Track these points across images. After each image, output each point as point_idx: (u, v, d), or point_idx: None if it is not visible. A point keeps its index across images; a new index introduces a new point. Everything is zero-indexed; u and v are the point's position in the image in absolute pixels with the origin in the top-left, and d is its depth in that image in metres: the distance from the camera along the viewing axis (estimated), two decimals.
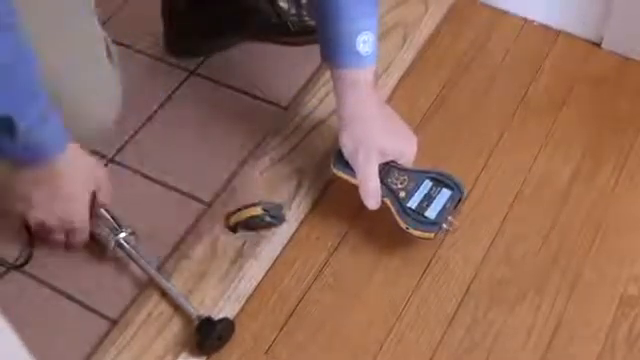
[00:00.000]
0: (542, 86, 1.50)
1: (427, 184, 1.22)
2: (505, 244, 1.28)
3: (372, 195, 1.21)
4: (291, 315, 1.20)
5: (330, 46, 1.20)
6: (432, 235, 1.20)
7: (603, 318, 1.20)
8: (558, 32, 1.59)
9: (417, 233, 1.20)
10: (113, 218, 1.24)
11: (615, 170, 1.37)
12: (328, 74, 1.45)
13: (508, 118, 1.45)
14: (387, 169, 1.22)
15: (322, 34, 1.21)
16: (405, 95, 1.36)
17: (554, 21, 1.59)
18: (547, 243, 1.28)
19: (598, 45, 1.56)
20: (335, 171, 1.27)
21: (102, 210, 1.23)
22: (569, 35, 1.58)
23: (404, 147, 1.24)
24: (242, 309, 1.20)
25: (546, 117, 1.45)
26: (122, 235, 1.21)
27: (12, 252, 1.24)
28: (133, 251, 1.21)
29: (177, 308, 1.16)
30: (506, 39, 1.58)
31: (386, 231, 1.28)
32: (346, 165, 1.24)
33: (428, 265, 1.25)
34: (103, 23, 1.28)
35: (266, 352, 1.16)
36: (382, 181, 1.21)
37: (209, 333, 1.12)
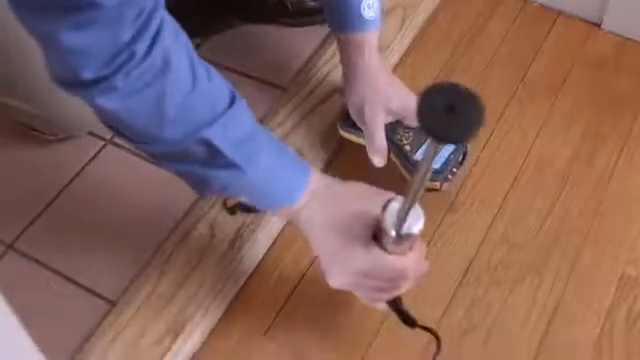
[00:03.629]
0: (542, 67, 1.50)
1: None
2: (505, 225, 1.28)
3: (379, 150, 1.24)
4: (291, 295, 1.20)
5: (336, 11, 1.25)
6: (437, 185, 1.23)
7: (602, 299, 1.20)
8: (558, 13, 1.58)
9: None
10: None
11: (615, 151, 1.36)
12: (327, 55, 1.47)
13: (508, 99, 1.44)
14: (392, 127, 1.25)
15: (329, 1, 1.27)
16: (404, 76, 1.35)
17: (554, 2, 1.58)
18: (547, 224, 1.28)
19: (598, 26, 1.56)
20: (342, 133, 1.31)
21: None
22: (569, 16, 1.58)
23: (409, 105, 1.25)
24: (241, 290, 1.20)
25: (546, 98, 1.45)
26: None
27: None
28: None
29: (176, 290, 1.16)
30: (506, 20, 1.58)
31: None
32: (352, 126, 1.27)
33: (427, 245, 1.25)
34: None
35: (265, 333, 1.16)
36: (387, 138, 1.24)
37: None
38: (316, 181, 1.04)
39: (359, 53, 1.25)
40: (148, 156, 1.01)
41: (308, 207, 1.02)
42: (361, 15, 1.22)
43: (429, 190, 1.25)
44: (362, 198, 1.01)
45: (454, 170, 1.25)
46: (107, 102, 0.89)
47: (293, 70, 1.47)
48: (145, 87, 0.89)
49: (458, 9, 1.59)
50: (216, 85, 0.97)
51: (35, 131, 1.34)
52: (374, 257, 0.98)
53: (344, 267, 1.01)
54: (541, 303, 1.19)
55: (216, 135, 0.94)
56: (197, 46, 1.52)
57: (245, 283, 1.21)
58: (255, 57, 1.50)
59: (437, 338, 1.11)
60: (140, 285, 1.18)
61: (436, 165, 1.23)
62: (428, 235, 1.26)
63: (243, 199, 1.06)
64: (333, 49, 1.45)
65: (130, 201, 1.26)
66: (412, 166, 1.22)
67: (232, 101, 0.97)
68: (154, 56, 0.87)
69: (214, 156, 0.96)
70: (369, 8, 1.23)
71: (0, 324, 0.70)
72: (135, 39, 0.85)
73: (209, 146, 0.95)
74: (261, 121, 1.38)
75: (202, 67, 0.95)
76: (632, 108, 1.43)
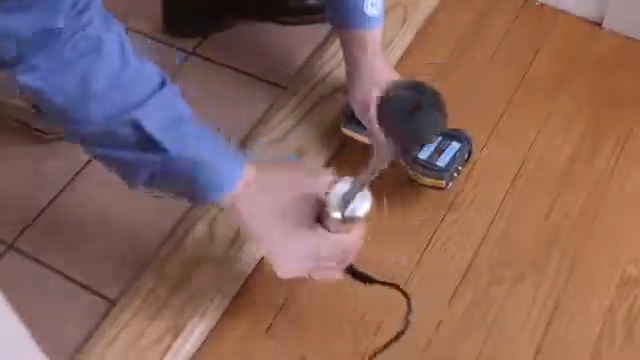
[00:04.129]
0: (542, 66, 1.49)
1: (437, 138, 1.25)
2: (505, 224, 1.28)
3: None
4: (291, 294, 1.20)
5: (339, 9, 1.25)
6: (443, 183, 1.24)
7: (602, 299, 1.20)
8: (558, 12, 1.58)
9: (429, 181, 1.24)
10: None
11: (615, 150, 1.36)
12: (328, 53, 1.46)
13: (508, 98, 1.44)
14: None
15: None
16: (404, 75, 1.34)
17: (554, 1, 1.58)
18: (547, 223, 1.28)
19: (599, 25, 1.55)
20: (345, 130, 1.31)
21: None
22: (570, 15, 1.57)
23: None
24: (241, 289, 1.20)
25: (546, 97, 1.44)
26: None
27: None
28: None
29: (176, 288, 1.16)
30: (506, 19, 1.57)
31: (387, 211, 1.28)
32: (356, 124, 1.27)
33: (427, 245, 1.25)
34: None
35: (266, 331, 1.16)
36: None
37: None
38: (251, 172, 1.01)
39: (362, 51, 1.24)
40: (79, 143, 0.98)
41: (246, 195, 1.00)
42: (364, 13, 1.22)
43: (435, 188, 1.25)
44: (302, 181, 1.01)
45: (460, 168, 1.25)
46: (30, 80, 0.90)
47: (294, 69, 1.47)
48: (69, 66, 0.89)
49: (458, 8, 1.59)
50: (147, 68, 0.97)
51: (36, 130, 1.34)
52: (321, 238, 1.00)
53: (293, 253, 1.02)
54: (541, 302, 1.19)
55: (144, 116, 0.93)
56: (198, 44, 1.52)
57: (245, 282, 1.21)
58: (256, 56, 1.50)
59: (405, 295, 1.09)
60: (140, 284, 1.18)
61: (442, 163, 1.23)
62: (428, 235, 1.26)
63: (173, 193, 1.03)
64: (334, 48, 1.45)
65: (130, 200, 1.25)
66: (417, 164, 1.23)
67: (162, 84, 0.96)
68: (81, 37, 0.89)
69: (142, 138, 0.94)
70: (372, 5, 1.22)
71: (0, 324, 0.70)
72: (66, 25, 0.87)
73: (137, 127, 0.93)
74: (261, 120, 1.38)
75: (133, 52, 0.95)
76: (633, 107, 1.42)
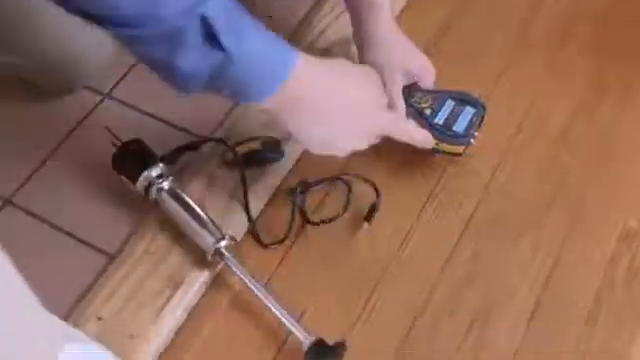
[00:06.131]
0: (543, 21, 1.49)
1: (450, 103, 1.24)
2: (505, 179, 1.27)
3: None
4: (291, 248, 1.20)
5: None
6: (461, 149, 1.22)
7: (603, 252, 1.20)
8: None
9: (447, 147, 1.22)
10: (212, 221, 1.14)
11: (617, 104, 1.36)
12: (324, 10, 1.45)
13: (508, 54, 1.43)
14: (409, 91, 1.23)
15: None
16: (405, 33, 1.34)
17: None
18: (548, 178, 1.27)
19: None
20: None
21: (202, 214, 1.14)
22: None
23: (426, 66, 1.25)
24: (241, 243, 1.19)
25: (547, 52, 1.44)
26: (224, 243, 1.13)
27: None
28: (235, 261, 1.13)
29: (175, 242, 1.16)
30: None
31: (385, 166, 1.27)
32: None
33: (427, 200, 1.25)
34: None
35: (266, 283, 1.15)
36: (406, 102, 1.21)
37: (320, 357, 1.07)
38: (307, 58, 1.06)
39: (371, 12, 1.22)
40: (136, 43, 0.96)
41: (307, 73, 1.05)
42: None
43: (453, 155, 1.24)
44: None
45: (475, 134, 1.23)
46: None
47: (292, 24, 1.46)
48: None
49: None
50: None
51: (35, 87, 1.33)
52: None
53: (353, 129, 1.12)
54: (541, 257, 1.19)
55: (212, 11, 0.92)
56: None
57: (245, 236, 1.20)
58: (252, 13, 1.48)
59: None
60: (139, 238, 1.17)
61: (459, 129, 1.21)
62: (427, 192, 1.26)
63: (228, 92, 1.02)
64: (329, 6, 1.45)
65: None
66: (434, 129, 1.20)
67: None
68: None
69: (209, 35, 0.93)
70: None
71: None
72: None
73: (205, 24, 0.92)
74: None
75: None
76: (634, 60, 1.42)
